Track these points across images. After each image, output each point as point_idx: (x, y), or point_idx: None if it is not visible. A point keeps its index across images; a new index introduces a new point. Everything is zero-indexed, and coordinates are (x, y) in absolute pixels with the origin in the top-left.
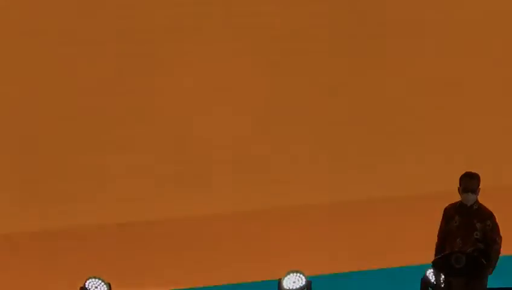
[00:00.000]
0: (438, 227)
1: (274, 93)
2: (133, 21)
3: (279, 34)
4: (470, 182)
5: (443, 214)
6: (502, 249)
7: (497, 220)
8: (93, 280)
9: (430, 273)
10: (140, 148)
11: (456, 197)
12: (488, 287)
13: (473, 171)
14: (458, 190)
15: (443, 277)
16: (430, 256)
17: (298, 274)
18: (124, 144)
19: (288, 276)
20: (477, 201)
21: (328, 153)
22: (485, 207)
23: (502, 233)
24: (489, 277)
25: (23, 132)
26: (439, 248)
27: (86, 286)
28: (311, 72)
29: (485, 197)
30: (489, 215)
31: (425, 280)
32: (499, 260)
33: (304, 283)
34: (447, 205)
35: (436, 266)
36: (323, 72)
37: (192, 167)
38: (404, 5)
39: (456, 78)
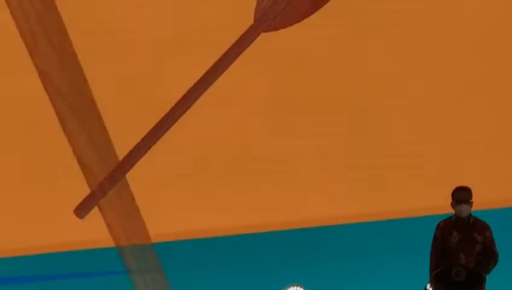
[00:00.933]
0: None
1: (277, 102)
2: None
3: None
4: (462, 193)
5: (438, 231)
6: None
7: None
8: None
9: (430, 289)
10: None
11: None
12: None
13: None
14: (451, 205)
15: None
16: None
17: (298, 288)
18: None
19: None
20: (471, 215)
21: (334, 164)
22: (480, 220)
23: None
24: None
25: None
26: (437, 264)
27: None
28: (315, 79)
29: None
30: (487, 228)
31: None
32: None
33: None
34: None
35: (436, 280)
36: (326, 79)
37: (193, 178)
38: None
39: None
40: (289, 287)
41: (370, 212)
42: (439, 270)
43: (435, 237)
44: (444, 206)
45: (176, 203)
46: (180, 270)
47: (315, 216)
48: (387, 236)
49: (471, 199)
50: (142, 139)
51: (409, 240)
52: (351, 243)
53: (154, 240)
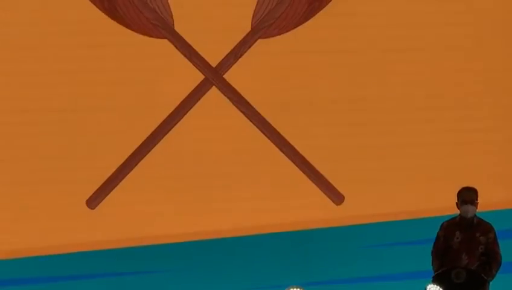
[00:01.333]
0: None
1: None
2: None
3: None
4: (468, 193)
5: (441, 231)
6: None
7: None
8: None
9: (430, 289)
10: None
11: None
12: None
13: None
14: (457, 204)
15: None
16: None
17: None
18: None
19: None
20: (476, 215)
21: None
22: (485, 221)
23: None
24: None
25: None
26: (438, 264)
27: None
28: (314, 82)
29: None
30: (491, 228)
31: None
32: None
33: None
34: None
35: (436, 281)
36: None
37: (192, 179)
38: None
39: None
40: (289, 288)
41: (369, 213)
42: (439, 271)
43: (437, 237)
44: (445, 208)
45: (175, 204)
46: (180, 271)
47: (315, 217)
48: (387, 237)
49: (476, 199)
50: (153, 131)
51: (408, 241)
52: (351, 244)
53: (152, 241)
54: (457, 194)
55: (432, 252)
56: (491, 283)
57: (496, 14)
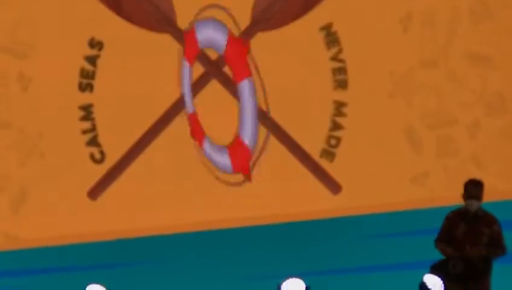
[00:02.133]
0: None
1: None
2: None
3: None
4: (474, 189)
5: (445, 221)
6: None
7: None
8: (94, 286)
9: (428, 279)
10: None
11: None
12: None
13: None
14: (463, 197)
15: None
16: None
17: (297, 280)
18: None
19: (286, 282)
20: (480, 208)
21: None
22: (489, 213)
23: None
24: None
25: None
26: (449, 251)
27: None
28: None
29: None
30: (495, 220)
31: (423, 286)
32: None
33: (303, 289)
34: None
35: (434, 272)
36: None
37: (193, 172)
38: None
39: None
40: (288, 279)
41: (366, 204)
42: (436, 262)
43: (442, 227)
44: (444, 198)
45: (176, 195)
46: (179, 263)
47: (313, 208)
48: (385, 228)
49: (482, 194)
50: (154, 123)
51: (406, 231)
52: (349, 234)
53: (154, 232)
54: (464, 186)
55: (436, 241)
56: (492, 274)
57: None
